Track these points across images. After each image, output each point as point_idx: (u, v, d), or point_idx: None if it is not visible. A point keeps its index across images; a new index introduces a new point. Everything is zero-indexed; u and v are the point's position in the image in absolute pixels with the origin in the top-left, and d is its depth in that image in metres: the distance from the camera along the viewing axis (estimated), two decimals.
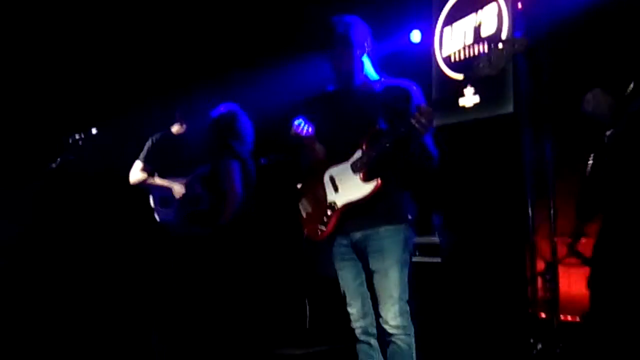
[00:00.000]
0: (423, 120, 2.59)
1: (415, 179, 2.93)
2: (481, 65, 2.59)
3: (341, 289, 3.00)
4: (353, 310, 2.96)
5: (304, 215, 3.03)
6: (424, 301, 3.98)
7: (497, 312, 4.01)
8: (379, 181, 2.77)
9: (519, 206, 4.09)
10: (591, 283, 2.68)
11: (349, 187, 2.84)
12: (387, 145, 2.73)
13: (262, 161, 4.15)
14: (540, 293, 4.25)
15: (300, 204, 3.05)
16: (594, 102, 2.51)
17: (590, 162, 2.55)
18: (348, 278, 2.97)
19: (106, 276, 4.99)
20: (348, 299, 2.98)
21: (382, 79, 2.97)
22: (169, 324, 4.25)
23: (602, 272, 2.54)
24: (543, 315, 4.16)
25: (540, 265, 4.19)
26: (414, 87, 2.87)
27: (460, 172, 4.69)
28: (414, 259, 4.02)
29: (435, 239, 4.04)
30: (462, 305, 3.87)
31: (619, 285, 2.41)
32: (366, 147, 2.79)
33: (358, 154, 2.81)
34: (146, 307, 4.46)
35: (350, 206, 2.84)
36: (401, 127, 2.67)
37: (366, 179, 2.79)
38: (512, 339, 4.04)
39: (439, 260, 3.99)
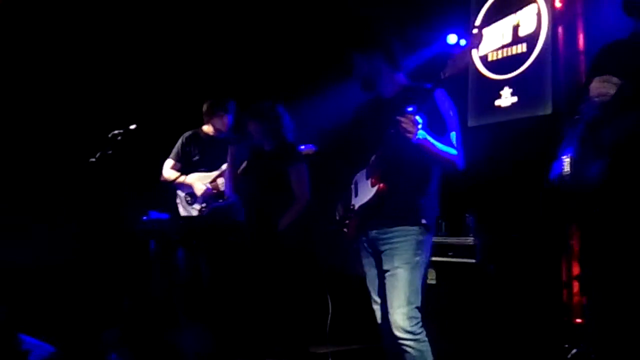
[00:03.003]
0: (403, 125, 2.64)
1: (432, 181, 2.95)
2: (449, 63, 2.66)
3: (367, 286, 3.08)
4: (377, 306, 3.02)
5: (337, 217, 3.16)
6: (458, 302, 3.96)
7: (531, 316, 3.95)
8: (381, 185, 2.87)
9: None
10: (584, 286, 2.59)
11: (363, 191, 2.98)
12: (385, 149, 2.83)
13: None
14: (576, 297, 4.19)
15: (338, 206, 3.17)
16: (598, 87, 2.33)
17: (567, 159, 2.42)
18: (371, 275, 3.05)
19: (139, 270, 5.07)
20: (372, 296, 3.05)
21: (409, 85, 3.02)
22: (195, 318, 4.30)
23: (602, 271, 2.43)
24: (578, 320, 4.09)
25: (577, 269, 4.13)
26: (433, 90, 2.80)
27: (496, 173, 4.64)
28: (448, 259, 4.05)
29: (470, 240, 4.01)
30: (496, 307, 3.83)
31: (613, 286, 2.32)
32: (378, 153, 2.90)
33: (372, 160, 2.93)
34: (171, 298, 4.53)
35: (363, 209, 2.96)
36: (391, 129, 2.73)
37: (374, 183, 2.90)
38: (546, 343, 3.99)
39: (473, 261, 3.95)
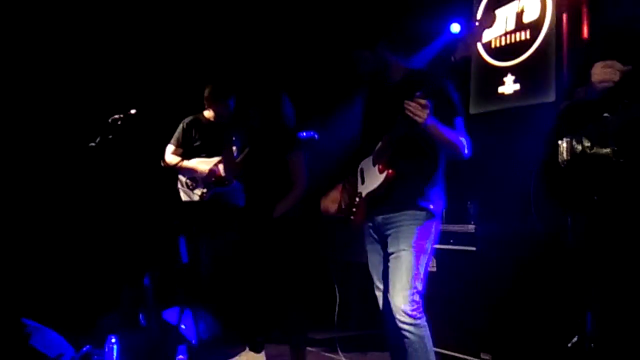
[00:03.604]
0: (412, 110, 2.61)
1: (439, 167, 2.94)
2: (460, 46, 2.64)
3: (370, 272, 3.09)
4: (380, 293, 3.04)
5: (343, 205, 3.14)
6: (457, 289, 3.96)
7: (530, 303, 3.95)
8: (389, 172, 2.86)
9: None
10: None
11: (370, 178, 2.97)
12: (393, 135, 2.81)
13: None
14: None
15: (342, 194, 3.16)
16: (601, 72, 2.28)
17: (565, 145, 2.38)
18: (375, 261, 3.07)
19: (138, 254, 5.07)
20: (375, 282, 3.07)
21: (416, 70, 3.01)
22: (194, 304, 4.31)
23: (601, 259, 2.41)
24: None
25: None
26: (442, 75, 2.80)
27: (499, 161, 4.62)
28: (449, 247, 4.04)
29: (471, 228, 3.99)
30: (495, 294, 3.82)
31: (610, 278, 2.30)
32: (384, 139, 2.89)
33: (378, 146, 2.92)
34: (173, 284, 4.54)
35: (371, 196, 2.95)
36: (399, 116, 2.71)
37: (382, 169, 2.89)
38: (544, 329, 3.99)
39: (474, 249, 3.94)
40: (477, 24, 2.62)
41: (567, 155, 2.39)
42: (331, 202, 3.20)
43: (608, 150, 2.22)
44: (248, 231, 3.98)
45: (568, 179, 2.36)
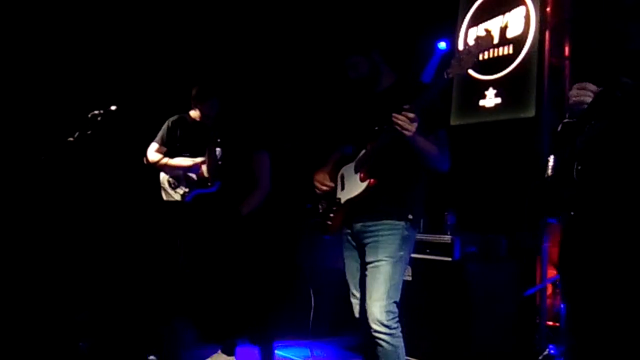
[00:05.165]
0: (400, 123, 2.63)
1: (420, 178, 2.96)
2: (454, 63, 2.65)
3: (347, 279, 3.08)
4: (356, 300, 3.04)
5: (320, 209, 3.14)
6: (432, 299, 3.98)
7: (504, 317, 3.99)
8: (371, 181, 2.88)
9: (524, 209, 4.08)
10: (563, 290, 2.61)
11: (350, 185, 2.97)
12: (378, 145, 2.82)
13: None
14: (549, 300, 4.22)
15: (321, 199, 3.15)
16: (575, 94, 2.38)
17: (551, 162, 2.47)
18: (352, 268, 3.06)
19: (117, 254, 5.02)
20: (352, 289, 3.07)
21: (405, 81, 3.02)
22: (177, 308, 4.29)
23: (572, 275, 2.46)
24: (550, 323, 4.13)
25: (552, 272, 4.17)
26: (426, 88, 2.80)
27: (477, 173, 4.67)
28: (425, 256, 4.06)
29: (447, 238, 4.02)
30: (470, 306, 3.85)
31: (592, 290, 2.34)
32: (368, 148, 2.89)
33: (362, 154, 2.93)
34: (155, 289, 4.51)
35: (351, 203, 2.96)
36: (385, 126, 2.73)
37: (363, 178, 2.90)
38: (518, 343, 4.02)
39: (449, 259, 3.97)
40: (475, 43, 2.65)
41: (550, 171, 2.47)
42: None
43: (574, 169, 2.29)
44: (218, 231, 4.01)
45: (551, 193, 2.44)
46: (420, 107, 2.66)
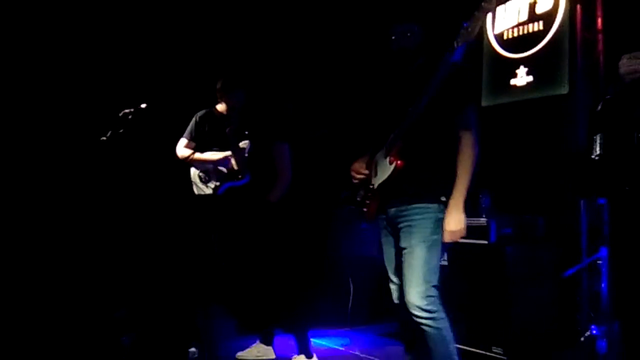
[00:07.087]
0: None
1: (452, 159, 2.87)
2: (462, 32, 2.59)
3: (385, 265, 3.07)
4: (394, 286, 3.02)
5: (358, 198, 3.12)
6: (470, 284, 3.94)
7: (544, 299, 3.93)
8: (398, 162, 2.84)
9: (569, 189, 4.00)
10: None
11: (381, 170, 2.95)
12: (404, 126, 2.79)
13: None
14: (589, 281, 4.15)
15: (359, 188, 3.14)
16: (627, 64, 2.29)
17: (599, 141, 2.40)
18: (389, 254, 3.04)
19: (153, 250, 5.09)
20: (390, 275, 3.05)
21: (431, 60, 2.95)
22: (215, 300, 4.34)
23: (626, 251, 2.40)
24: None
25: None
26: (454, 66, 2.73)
27: (511, 153, 4.59)
28: (461, 240, 4.00)
29: (483, 221, 3.96)
30: (509, 289, 3.80)
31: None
32: (395, 132, 2.86)
33: (391, 137, 2.89)
34: (186, 280, 4.57)
35: (382, 187, 2.94)
36: (409, 108, 2.70)
37: (392, 160, 2.87)
38: (560, 326, 3.97)
39: (485, 242, 3.92)
40: (480, 7, 2.58)
41: (599, 149, 2.42)
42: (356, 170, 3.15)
43: (635, 138, 2.22)
44: (250, 222, 4.04)
45: (602, 170, 2.39)
46: (436, 89, 2.63)
